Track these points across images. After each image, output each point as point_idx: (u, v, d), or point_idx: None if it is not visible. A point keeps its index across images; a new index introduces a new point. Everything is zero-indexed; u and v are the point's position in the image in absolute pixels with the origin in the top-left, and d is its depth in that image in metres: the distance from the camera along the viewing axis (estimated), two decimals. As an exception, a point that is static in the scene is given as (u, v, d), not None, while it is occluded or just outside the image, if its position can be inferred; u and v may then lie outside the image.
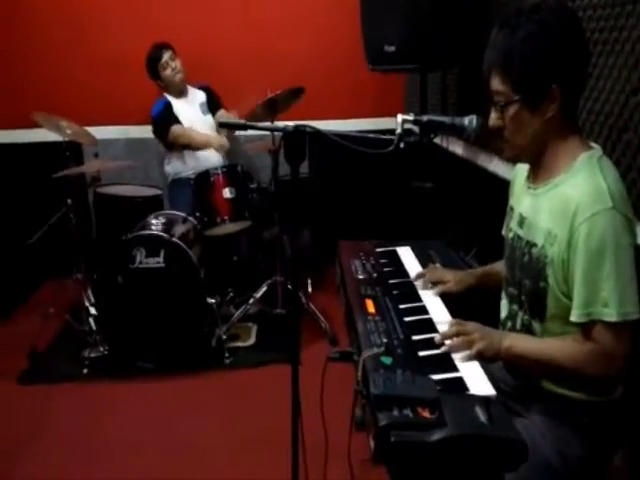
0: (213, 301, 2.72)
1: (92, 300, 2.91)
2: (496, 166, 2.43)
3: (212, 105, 3.41)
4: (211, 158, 3.27)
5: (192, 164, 3.28)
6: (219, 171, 2.95)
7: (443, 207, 2.80)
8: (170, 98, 3.31)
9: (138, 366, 2.69)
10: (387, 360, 1.18)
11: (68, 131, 2.92)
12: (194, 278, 2.64)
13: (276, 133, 2.69)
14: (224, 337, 2.83)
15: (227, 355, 2.78)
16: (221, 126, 3.18)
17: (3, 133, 3.72)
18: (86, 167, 3.06)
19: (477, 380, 1.14)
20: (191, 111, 3.34)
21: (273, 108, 2.88)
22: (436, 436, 0.96)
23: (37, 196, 3.52)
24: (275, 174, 2.84)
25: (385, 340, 1.22)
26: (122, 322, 2.68)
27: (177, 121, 3.24)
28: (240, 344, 2.94)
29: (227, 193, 2.90)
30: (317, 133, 1.44)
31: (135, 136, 3.50)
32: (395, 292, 1.44)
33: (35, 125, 2.98)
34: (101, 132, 3.32)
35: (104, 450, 2.26)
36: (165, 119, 3.24)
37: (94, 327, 2.83)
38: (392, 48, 2.24)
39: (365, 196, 3.79)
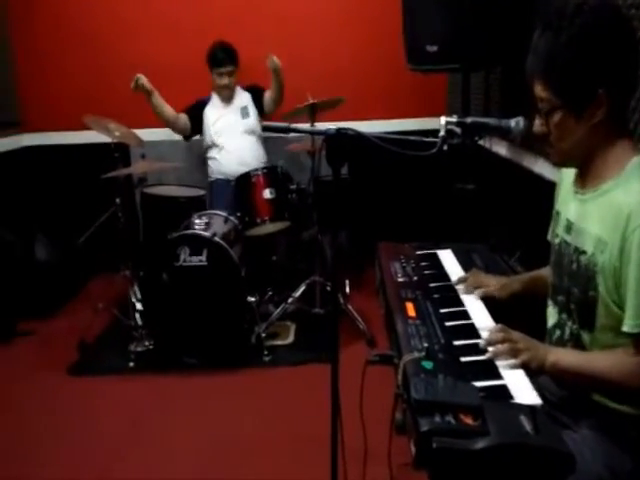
0: (253, 299, 2.73)
1: (138, 296, 2.97)
2: (542, 167, 2.35)
3: (258, 102, 3.42)
4: (242, 159, 3.30)
5: (225, 167, 3.33)
6: (260, 172, 2.96)
7: (486, 209, 2.73)
8: (213, 98, 3.38)
9: (183, 361, 2.74)
10: (428, 365, 1.15)
11: (116, 133, 2.98)
12: (235, 277, 2.66)
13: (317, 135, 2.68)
14: (263, 335, 2.84)
15: (266, 353, 2.79)
16: (264, 129, 3.20)
17: (57, 135, 3.85)
18: (133, 168, 3.13)
19: (522, 389, 1.09)
20: (228, 116, 3.36)
21: (313, 111, 2.88)
22: (479, 444, 0.93)
23: (87, 196, 3.63)
24: (314, 175, 2.84)
25: (426, 344, 1.20)
26: (167, 318, 2.73)
27: (198, 119, 3.34)
28: (279, 342, 2.94)
29: (267, 194, 2.91)
30: (359, 136, 1.43)
31: (179, 138, 3.56)
32: (436, 296, 1.41)
33: (86, 127, 3.06)
34: (147, 134, 3.39)
35: (147, 443, 2.29)
36: (188, 110, 3.38)
37: (140, 322, 2.90)
38: (434, 48, 2.20)
39: (406, 198, 3.73)
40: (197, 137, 3.50)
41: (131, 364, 2.79)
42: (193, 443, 2.27)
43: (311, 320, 3.10)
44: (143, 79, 3.13)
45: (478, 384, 1.07)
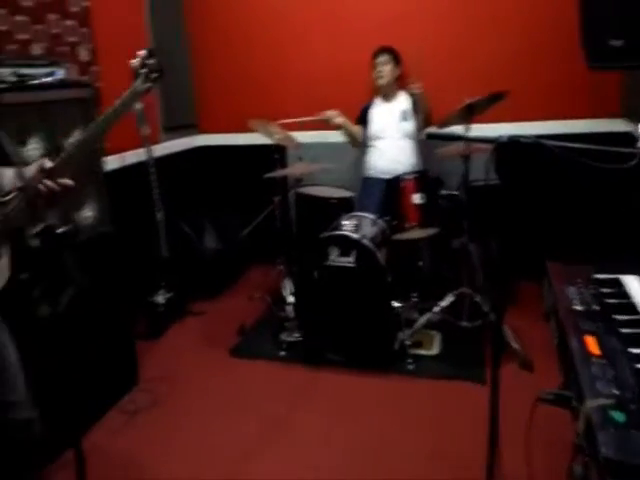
0: (398, 305, 2.60)
1: (291, 289, 3.03)
2: None
3: (418, 110, 3.25)
4: (396, 162, 3.17)
5: (379, 164, 3.24)
6: (410, 176, 2.81)
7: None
8: (375, 100, 3.30)
9: (328, 356, 2.72)
10: (619, 416, 0.94)
11: (277, 136, 3.06)
12: (381, 280, 2.56)
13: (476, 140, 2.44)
14: (407, 343, 2.68)
15: (410, 361, 2.64)
16: (429, 137, 3.05)
17: (226, 136, 4.06)
18: (290, 169, 3.19)
19: None
20: (387, 116, 3.27)
21: (471, 111, 2.64)
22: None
23: (250, 193, 3.79)
24: (466, 180, 2.61)
25: (615, 391, 0.98)
26: (315, 313, 2.72)
27: (364, 122, 3.28)
28: (423, 352, 2.76)
29: (417, 199, 2.75)
30: (537, 145, 1.23)
31: (333, 140, 3.55)
32: (624, 331, 1.17)
33: (251, 130, 3.16)
34: (304, 137, 3.42)
35: (289, 427, 2.30)
36: (358, 120, 3.33)
37: (291, 314, 2.95)
38: (619, 42, 1.85)
39: (571, 209, 3.28)
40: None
41: (282, 353, 2.85)
42: (330, 438, 2.23)
43: (457, 333, 2.85)
44: (334, 118, 3.16)
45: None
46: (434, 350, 2.79)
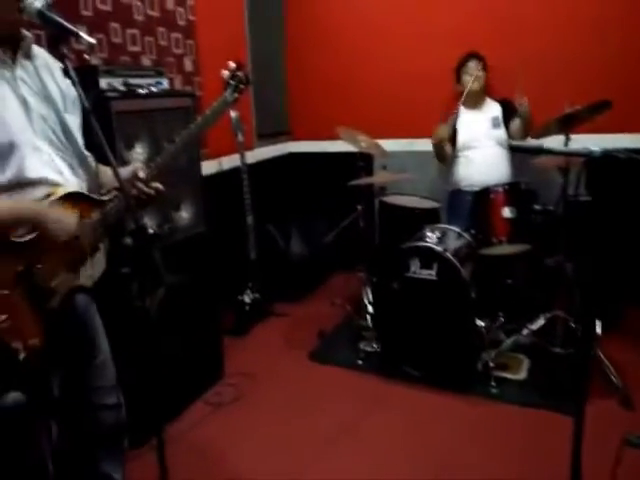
0: (482, 324, 2.47)
1: (370, 298, 3.01)
2: None
3: (507, 118, 3.12)
4: (488, 172, 3.02)
5: (468, 174, 3.11)
6: (500, 188, 2.67)
7: None
8: (461, 109, 3.13)
9: (405, 370, 2.66)
10: None
11: (363, 144, 3.05)
12: (464, 296, 2.45)
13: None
14: (491, 364, 2.52)
15: (493, 384, 2.48)
16: (513, 150, 2.89)
17: (315, 143, 4.14)
18: (375, 178, 3.17)
19: None
20: (478, 124, 3.14)
21: (569, 122, 2.45)
22: None
23: (335, 200, 3.83)
24: (564, 195, 2.42)
25: None
26: (394, 324, 2.67)
27: (454, 135, 3.13)
28: (509, 375, 2.58)
29: (507, 212, 2.61)
30: (633, 161, 1.11)
31: (420, 149, 3.48)
32: None
33: (338, 137, 3.17)
34: (390, 144, 3.39)
35: (361, 438, 2.27)
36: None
37: (370, 323, 2.92)
38: None
39: None
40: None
41: (360, 362, 2.82)
42: (399, 451, 2.17)
43: (549, 359, 2.60)
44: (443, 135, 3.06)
45: None
46: (521, 375, 2.61)
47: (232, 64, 1.62)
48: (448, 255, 2.48)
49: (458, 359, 2.52)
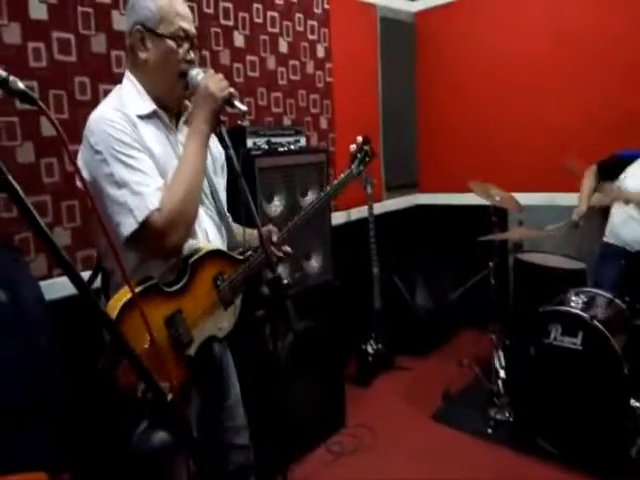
0: (638, 404, 2.17)
1: (502, 363, 2.80)
2: None
3: None
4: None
5: (625, 230, 2.73)
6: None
7: None
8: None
9: (540, 444, 2.41)
10: None
11: (497, 198, 2.91)
12: (616, 371, 2.17)
13: None
14: (649, 452, 2.20)
15: (651, 475, 2.16)
16: None
17: (444, 196, 4.08)
18: (510, 233, 3.00)
19: None
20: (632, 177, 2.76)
21: None
22: None
23: (464, 254, 3.69)
24: None
25: None
26: (530, 393, 2.45)
27: (614, 175, 2.76)
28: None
29: (671, 280, 2.31)
30: None
31: (561, 203, 3.23)
32: None
33: (470, 190, 3.11)
34: (527, 198, 3.21)
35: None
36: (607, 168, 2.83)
37: (502, 390, 2.71)
38: None
39: None
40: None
41: (489, 430, 2.63)
42: None
43: None
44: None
45: None
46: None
47: (360, 139, 1.70)
48: (596, 323, 2.23)
49: (606, 441, 2.23)
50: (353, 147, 1.70)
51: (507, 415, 2.64)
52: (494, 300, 2.84)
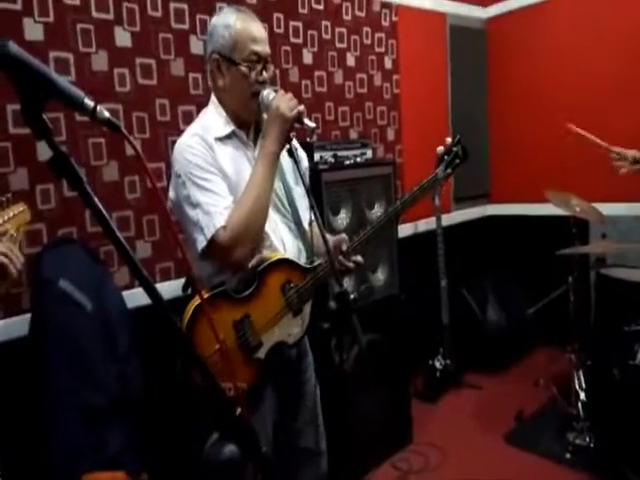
0: None
1: (583, 385, 2.63)
2: None
3: None
4: None
5: None
6: None
7: None
8: None
9: (625, 474, 2.23)
10: None
11: (577, 208, 2.76)
12: None
13: None
14: None
15: None
16: None
17: (517, 206, 3.92)
18: (592, 247, 2.82)
19: None
20: None
21: None
22: None
23: (540, 268, 3.51)
24: None
25: None
26: (613, 418, 2.29)
27: None
28: None
29: None
30: None
31: (648, 213, 3.02)
32: None
33: (546, 200, 2.96)
34: (610, 209, 3.01)
35: None
36: None
37: (582, 413, 2.54)
38: None
39: None
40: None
41: (568, 455, 2.47)
42: None
43: None
44: None
45: None
46: None
47: (449, 139, 1.57)
48: (691, 346, 2.05)
49: None
50: (440, 149, 1.56)
51: (587, 440, 2.47)
52: (573, 317, 2.68)
